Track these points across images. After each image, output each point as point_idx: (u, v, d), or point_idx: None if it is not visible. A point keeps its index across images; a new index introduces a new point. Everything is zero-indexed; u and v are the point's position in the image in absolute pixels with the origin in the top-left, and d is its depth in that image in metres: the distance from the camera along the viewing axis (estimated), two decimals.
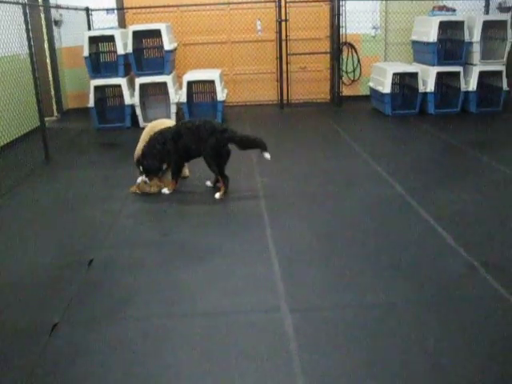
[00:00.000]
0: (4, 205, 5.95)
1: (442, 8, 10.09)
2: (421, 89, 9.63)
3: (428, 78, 9.65)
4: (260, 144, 5.98)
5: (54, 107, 10.89)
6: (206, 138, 5.87)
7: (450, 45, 10.07)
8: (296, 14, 10.99)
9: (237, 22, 11.27)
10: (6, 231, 5.25)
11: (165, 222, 5.32)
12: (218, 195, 5.88)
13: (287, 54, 11.00)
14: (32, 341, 3.40)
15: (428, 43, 9.64)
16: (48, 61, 10.63)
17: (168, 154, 5.99)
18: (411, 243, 4.55)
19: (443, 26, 9.69)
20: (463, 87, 9.63)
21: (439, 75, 9.71)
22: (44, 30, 10.56)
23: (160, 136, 6.02)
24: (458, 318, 3.46)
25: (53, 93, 10.82)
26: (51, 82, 10.75)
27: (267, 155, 5.93)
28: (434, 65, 9.65)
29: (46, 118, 8.36)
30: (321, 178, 6.37)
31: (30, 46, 7.32)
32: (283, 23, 10.78)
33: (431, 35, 9.53)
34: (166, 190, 6.08)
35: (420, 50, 10.20)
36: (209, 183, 6.25)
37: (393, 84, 9.92)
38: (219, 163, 5.96)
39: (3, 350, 3.34)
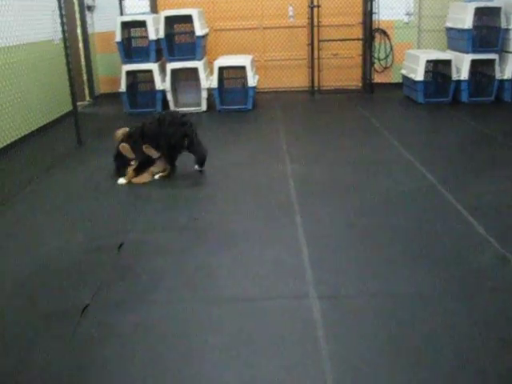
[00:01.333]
0: (36, 188, 6.03)
1: None
2: (454, 77, 9.48)
3: (462, 65, 9.48)
4: (200, 157, 6.14)
5: (86, 92, 10.99)
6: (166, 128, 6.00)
7: (485, 32, 9.84)
8: (328, 0, 10.88)
9: (269, 7, 11.20)
10: (38, 214, 5.32)
11: (194, 207, 5.35)
12: (157, 176, 6.14)
13: (319, 41, 10.90)
14: (63, 322, 3.46)
15: (463, 30, 9.47)
16: (81, 46, 10.72)
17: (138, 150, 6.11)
18: (442, 233, 4.50)
19: (479, 13, 9.48)
20: (498, 75, 9.44)
21: (473, 63, 9.53)
22: (77, 16, 10.63)
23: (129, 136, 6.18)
24: (487, 309, 3.42)
25: (85, 78, 10.91)
26: (83, 67, 10.85)
27: (197, 167, 6.16)
28: (468, 52, 9.47)
29: (79, 103, 8.45)
30: (351, 166, 6.33)
31: (63, 32, 7.38)
32: (315, 9, 10.70)
33: (466, 22, 9.35)
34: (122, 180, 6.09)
35: (454, 37, 10.02)
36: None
37: (426, 71, 9.75)
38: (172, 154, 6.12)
39: (35, 330, 3.40)
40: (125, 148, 6.09)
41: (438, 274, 3.85)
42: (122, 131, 6.29)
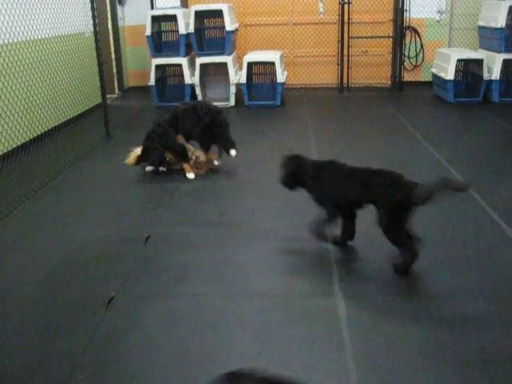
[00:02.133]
0: (65, 179, 6.10)
1: None
2: (485, 76, 9.36)
3: (494, 65, 9.35)
4: (233, 141, 6.10)
5: (116, 85, 11.08)
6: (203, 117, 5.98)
7: None
8: None
9: (299, 3, 11.16)
10: (66, 205, 5.38)
11: (222, 201, 5.36)
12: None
13: (349, 37, 10.83)
14: (89, 313, 3.49)
15: (495, 29, 9.33)
16: (111, 39, 10.80)
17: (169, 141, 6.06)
18: (469, 233, 4.45)
19: None
20: None
21: (506, 63, 9.40)
22: (108, 9, 10.71)
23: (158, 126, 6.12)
24: None
25: (115, 70, 11.00)
26: (113, 60, 10.94)
27: (233, 153, 6.06)
28: (500, 51, 9.33)
29: (108, 96, 8.50)
30: (379, 164, 6.18)
31: (94, 25, 7.44)
32: (346, 5, 10.63)
33: (499, 20, 9.21)
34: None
35: (486, 36, 9.88)
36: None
37: (456, 70, 9.66)
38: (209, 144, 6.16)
39: (62, 321, 3.44)
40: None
41: (465, 274, 3.81)
42: (134, 153, 6.23)
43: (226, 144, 6.12)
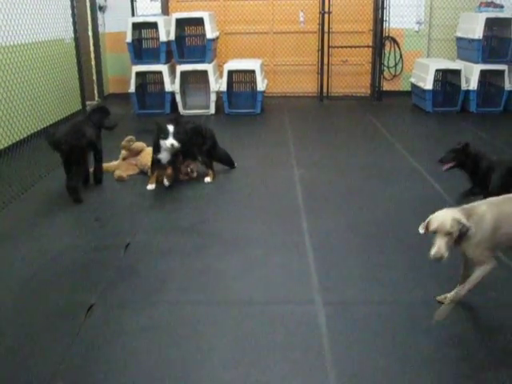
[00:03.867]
0: (44, 186, 6.05)
1: (490, 4, 9.87)
2: (463, 86, 9.50)
3: (471, 75, 9.49)
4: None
5: (96, 91, 11.01)
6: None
7: (495, 42, 9.88)
8: (339, 7, 10.91)
9: (280, 12, 11.23)
10: (46, 212, 5.34)
11: (202, 210, 5.36)
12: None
13: (329, 47, 10.91)
14: (68, 321, 3.47)
15: (473, 40, 9.47)
16: (91, 45, 10.75)
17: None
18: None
19: (489, 23, 9.50)
20: (507, 86, 9.44)
21: (483, 73, 9.54)
22: (88, 15, 10.67)
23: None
24: (495, 321, 3.42)
25: (95, 77, 10.94)
26: (93, 67, 10.88)
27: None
28: (478, 62, 9.47)
29: (88, 102, 8.48)
30: (358, 173, 6.33)
31: (75, 31, 7.43)
32: (326, 15, 10.71)
33: (476, 32, 9.35)
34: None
35: (464, 47, 10.03)
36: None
37: (435, 80, 9.78)
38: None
39: (40, 328, 3.41)
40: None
41: (444, 283, 3.84)
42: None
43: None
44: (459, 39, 10.22)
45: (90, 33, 10.72)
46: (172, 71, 9.96)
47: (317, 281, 3.90)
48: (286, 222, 4.97)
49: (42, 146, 7.23)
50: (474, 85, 9.50)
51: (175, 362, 3.06)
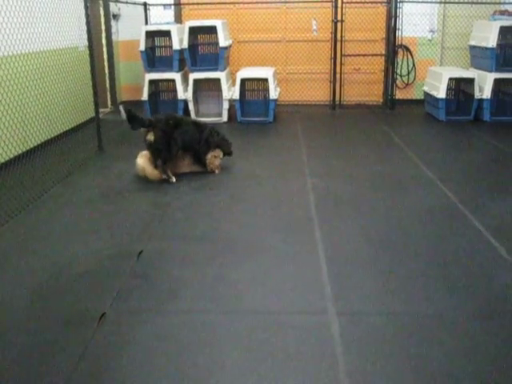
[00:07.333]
0: (58, 192, 6.07)
1: (504, 12, 9.85)
2: (477, 95, 9.45)
3: (485, 84, 9.44)
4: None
5: (109, 99, 11.07)
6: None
7: (509, 51, 9.82)
8: (352, 15, 10.89)
9: (292, 21, 11.25)
10: (59, 219, 5.36)
11: (215, 217, 5.35)
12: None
13: (341, 55, 10.92)
14: (80, 329, 3.47)
15: (487, 48, 9.43)
16: (105, 53, 10.81)
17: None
18: (463, 253, 4.46)
19: (504, 31, 9.45)
20: None
21: (497, 82, 9.49)
22: (102, 23, 10.73)
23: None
24: (508, 333, 3.38)
25: (108, 85, 11.00)
26: (107, 75, 10.93)
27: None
28: (491, 71, 9.43)
29: (100, 110, 8.50)
30: (371, 182, 6.31)
31: (89, 39, 7.45)
32: (339, 24, 10.71)
33: (490, 40, 9.31)
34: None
35: (478, 56, 9.99)
36: None
37: (448, 89, 9.74)
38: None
39: (53, 336, 3.40)
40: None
41: (458, 295, 3.81)
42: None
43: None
44: (473, 48, 10.17)
45: (104, 41, 10.78)
46: (185, 79, 9.99)
47: (330, 290, 3.87)
48: (299, 231, 4.95)
49: (54, 153, 7.29)
50: (487, 93, 9.45)
51: (187, 370, 3.05)
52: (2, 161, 6.42)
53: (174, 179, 6.37)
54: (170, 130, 6.32)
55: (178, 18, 11.23)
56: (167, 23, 10.31)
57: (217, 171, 6.69)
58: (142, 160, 6.40)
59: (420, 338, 3.32)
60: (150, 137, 6.26)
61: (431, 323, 3.48)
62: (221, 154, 6.71)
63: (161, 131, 6.26)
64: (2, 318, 3.63)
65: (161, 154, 6.30)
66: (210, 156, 6.63)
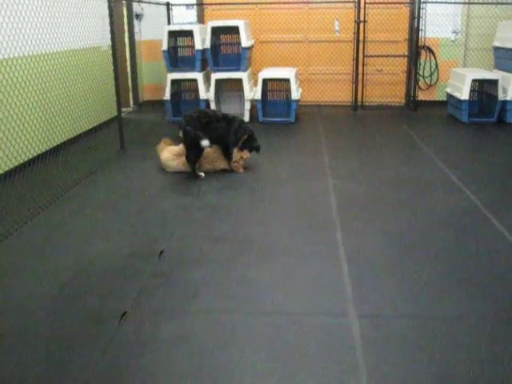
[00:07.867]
0: (81, 191, 6.13)
1: None
2: (500, 97, 9.35)
3: (509, 85, 9.34)
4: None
5: (131, 98, 11.13)
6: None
7: None
8: (375, 16, 10.84)
9: (315, 21, 11.22)
10: (81, 218, 5.40)
11: (236, 218, 5.36)
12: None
13: (364, 56, 10.88)
14: (101, 328, 3.49)
15: (511, 49, 9.33)
16: (127, 53, 10.87)
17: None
18: (485, 256, 4.42)
19: None
20: None
21: None
22: (125, 23, 10.80)
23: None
24: None
25: (130, 84, 11.06)
26: (129, 74, 11.00)
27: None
28: None
29: (123, 109, 8.56)
30: (393, 183, 6.28)
31: (112, 39, 7.50)
32: (361, 24, 10.67)
33: None
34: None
35: (502, 57, 9.89)
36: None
37: (471, 90, 9.64)
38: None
39: (75, 334, 3.44)
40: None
41: (481, 297, 3.78)
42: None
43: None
44: (497, 49, 10.08)
45: (127, 40, 10.85)
46: (207, 79, 10.01)
47: (351, 292, 3.86)
48: (320, 232, 4.94)
49: (77, 152, 7.35)
50: (511, 95, 9.35)
51: (207, 371, 3.05)
52: (26, 159, 6.49)
53: (203, 175, 6.55)
54: (202, 127, 6.50)
55: (201, 18, 11.26)
56: (190, 23, 10.34)
57: (241, 170, 6.72)
58: (165, 154, 6.73)
59: (443, 341, 3.30)
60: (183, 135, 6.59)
61: (454, 327, 3.46)
62: (248, 154, 6.76)
63: (194, 128, 6.44)
64: (26, 315, 3.67)
65: (192, 152, 6.48)
66: (237, 154, 6.71)
